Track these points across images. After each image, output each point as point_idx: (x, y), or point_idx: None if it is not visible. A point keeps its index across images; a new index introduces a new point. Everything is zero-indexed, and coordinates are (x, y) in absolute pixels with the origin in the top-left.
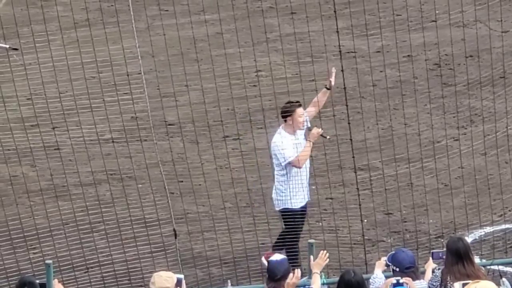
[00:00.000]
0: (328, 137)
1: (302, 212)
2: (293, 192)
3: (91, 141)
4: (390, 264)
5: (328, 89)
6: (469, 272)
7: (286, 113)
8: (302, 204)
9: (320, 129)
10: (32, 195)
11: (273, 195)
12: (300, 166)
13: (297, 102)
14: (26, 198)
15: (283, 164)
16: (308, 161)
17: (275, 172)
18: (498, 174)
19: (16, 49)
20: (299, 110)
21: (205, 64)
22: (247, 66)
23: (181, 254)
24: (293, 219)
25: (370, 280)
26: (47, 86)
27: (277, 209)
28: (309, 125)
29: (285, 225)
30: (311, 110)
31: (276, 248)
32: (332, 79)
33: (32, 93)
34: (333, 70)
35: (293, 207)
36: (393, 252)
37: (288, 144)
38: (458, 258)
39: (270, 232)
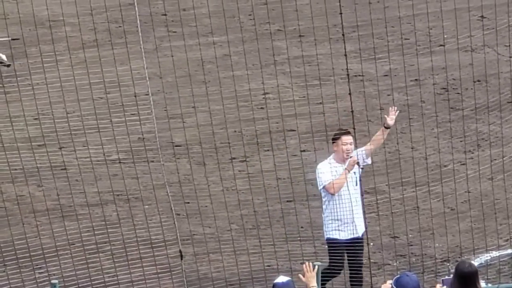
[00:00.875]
0: (362, 167)
1: (348, 245)
2: (335, 222)
3: (98, 161)
4: (394, 287)
5: (386, 128)
6: None
7: (332, 140)
8: (347, 236)
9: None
10: (39, 215)
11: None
12: (333, 192)
13: (345, 130)
14: (32, 218)
15: (319, 189)
16: (356, 192)
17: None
18: (504, 199)
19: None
20: (344, 138)
21: (213, 86)
22: (254, 88)
23: (187, 275)
24: (334, 251)
25: None
26: (55, 106)
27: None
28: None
29: (328, 256)
30: (368, 147)
31: (323, 280)
32: (391, 119)
33: (39, 113)
34: (395, 110)
35: (334, 237)
36: (398, 275)
37: (329, 170)
38: (463, 283)
39: (276, 255)
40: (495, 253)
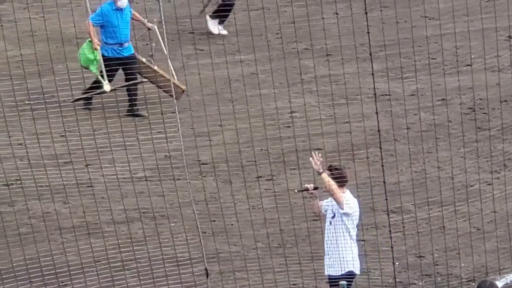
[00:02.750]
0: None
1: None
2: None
3: (124, 179)
4: None
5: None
6: None
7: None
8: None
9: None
10: (64, 232)
11: None
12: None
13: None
14: (58, 235)
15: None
16: (328, 232)
17: None
18: None
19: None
20: None
21: (240, 104)
22: (281, 107)
23: None
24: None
25: None
26: (81, 123)
27: None
28: None
29: None
30: None
31: None
32: (315, 164)
33: (66, 130)
34: (317, 156)
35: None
36: None
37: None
38: None
39: (302, 273)
40: None
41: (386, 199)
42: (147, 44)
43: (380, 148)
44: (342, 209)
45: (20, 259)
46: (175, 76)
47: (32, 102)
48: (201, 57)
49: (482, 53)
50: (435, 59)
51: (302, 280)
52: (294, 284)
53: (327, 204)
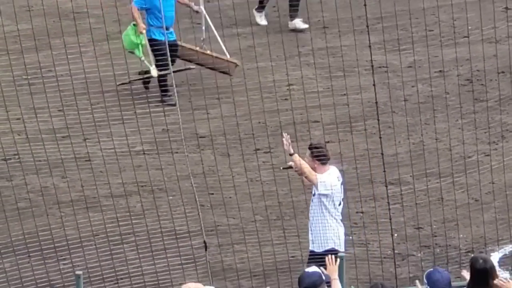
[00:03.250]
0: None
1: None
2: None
3: (122, 152)
4: (425, 282)
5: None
6: None
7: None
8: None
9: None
10: (63, 206)
11: None
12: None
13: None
14: (56, 209)
15: None
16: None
17: None
18: None
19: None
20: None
21: (237, 77)
22: (278, 79)
23: (211, 266)
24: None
25: None
26: (79, 98)
27: None
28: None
29: None
30: None
31: None
32: (286, 146)
33: (63, 105)
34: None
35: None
36: (430, 270)
37: None
38: (476, 280)
39: (301, 245)
40: None
41: (384, 171)
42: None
43: (378, 120)
44: (317, 190)
45: (19, 233)
46: (227, 54)
47: (29, 77)
48: (197, 30)
49: (479, 24)
50: (432, 31)
51: (301, 252)
52: (292, 257)
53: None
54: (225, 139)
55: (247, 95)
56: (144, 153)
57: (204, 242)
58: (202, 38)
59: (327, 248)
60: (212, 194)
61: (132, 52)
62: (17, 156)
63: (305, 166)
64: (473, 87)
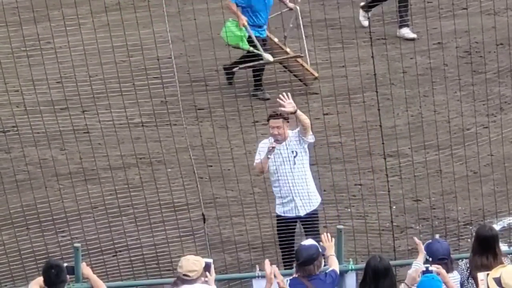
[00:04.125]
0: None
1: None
2: (278, 199)
3: (120, 125)
4: (425, 252)
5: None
6: (489, 264)
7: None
8: (291, 214)
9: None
10: (61, 178)
11: None
12: (257, 173)
13: (275, 113)
14: (55, 182)
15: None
16: (293, 173)
17: None
18: None
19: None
20: (272, 122)
21: (235, 49)
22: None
23: (210, 238)
24: (278, 227)
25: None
26: (77, 70)
27: None
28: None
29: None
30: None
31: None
32: (288, 104)
33: (62, 76)
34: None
35: (278, 213)
36: (430, 241)
37: (264, 149)
38: (483, 246)
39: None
40: None
41: (383, 143)
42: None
43: (376, 92)
44: (311, 140)
45: (17, 206)
46: (308, 61)
47: (28, 49)
48: (196, 2)
49: None
50: (430, 2)
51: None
52: None
53: (282, 149)
54: (223, 111)
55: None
56: (142, 125)
57: (203, 214)
58: (284, 35)
59: (317, 205)
60: (211, 166)
61: (237, 47)
62: (15, 128)
63: (306, 117)
64: (472, 59)
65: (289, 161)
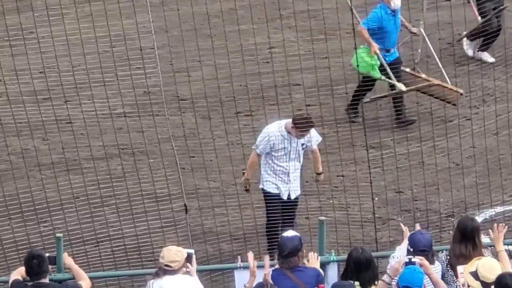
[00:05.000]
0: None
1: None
2: (270, 176)
3: (103, 115)
4: (407, 243)
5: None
6: (467, 254)
7: (294, 123)
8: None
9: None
10: (44, 168)
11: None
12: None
13: (311, 123)
14: (37, 172)
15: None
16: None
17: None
18: (509, 154)
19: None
20: (301, 131)
21: (218, 40)
22: (260, 42)
23: (192, 229)
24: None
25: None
26: (60, 60)
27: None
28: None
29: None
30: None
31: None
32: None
33: (45, 66)
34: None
35: (267, 189)
36: (413, 232)
37: (272, 138)
38: (463, 237)
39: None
40: (499, 209)
41: (365, 135)
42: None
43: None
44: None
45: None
46: (448, 80)
47: (10, 39)
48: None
49: None
50: None
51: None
52: None
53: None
54: (206, 102)
55: (229, 57)
56: (125, 116)
57: (185, 205)
58: (416, 61)
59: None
60: (193, 157)
61: (368, 76)
62: None
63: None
64: (454, 50)
65: (298, 150)
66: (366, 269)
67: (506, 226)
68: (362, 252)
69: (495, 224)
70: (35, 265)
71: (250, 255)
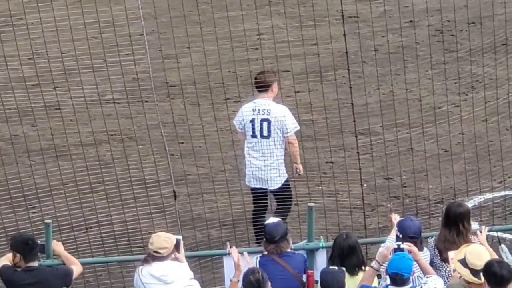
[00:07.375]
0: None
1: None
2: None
3: (92, 101)
4: (396, 229)
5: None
6: (452, 240)
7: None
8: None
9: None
10: (33, 154)
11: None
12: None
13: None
14: (26, 158)
15: (291, 132)
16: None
17: (276, 146)
18: (498, 141)
19: None
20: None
21: (207, 26)
22: (249, 29)
23: (181, 215)
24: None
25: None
26: (49, 46)
27: (276, 187)
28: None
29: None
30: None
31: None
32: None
33: (34, 53)
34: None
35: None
36: (403, 218)
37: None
38: (447, 222)
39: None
40: (488, 195)
41: (354, 121)
42: None
43: (348, 70)
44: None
45: None
46: None
47: None
48: None
49: None
50: None
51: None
52: None
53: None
54: (195, 88)
55: (217, 44)
56: (114, 102)
57: (174, 191)
58: None
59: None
60: (182, 143)
61: None
62: None
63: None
64: (444, 37)
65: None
66: (351, 255)
67: (486, 228)
68: (346, 238)
69: (477, 232)
70: (28, 249)
71: (234, 250)
